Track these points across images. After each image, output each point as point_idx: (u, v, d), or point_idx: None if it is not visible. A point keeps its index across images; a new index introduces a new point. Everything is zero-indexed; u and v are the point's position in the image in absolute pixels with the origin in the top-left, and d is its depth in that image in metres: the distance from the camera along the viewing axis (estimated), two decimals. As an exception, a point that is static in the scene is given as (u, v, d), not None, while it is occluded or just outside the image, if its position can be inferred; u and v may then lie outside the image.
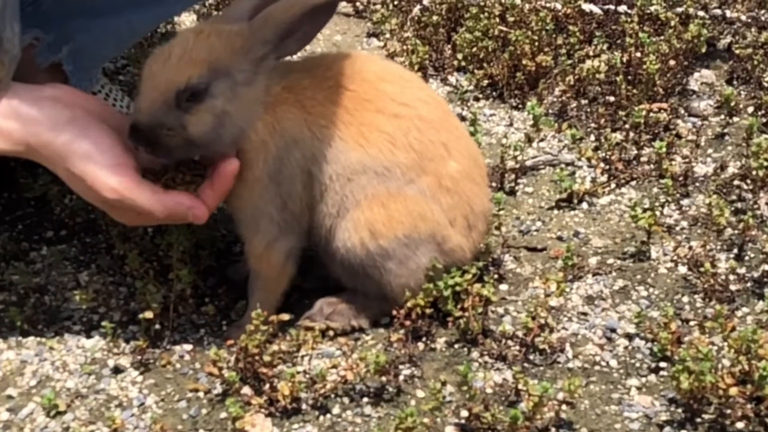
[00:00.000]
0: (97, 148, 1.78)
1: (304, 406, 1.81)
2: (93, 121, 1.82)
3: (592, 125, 2.57)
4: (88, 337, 1.98)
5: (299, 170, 1.87)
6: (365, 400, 1.83)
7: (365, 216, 1.89)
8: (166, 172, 1.86)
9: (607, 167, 2.41)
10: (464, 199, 1.95)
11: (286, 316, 1.90)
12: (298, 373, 1.84)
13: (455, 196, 1.94)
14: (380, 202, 1.88)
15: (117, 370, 1.90)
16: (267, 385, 1.81)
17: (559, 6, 2.92)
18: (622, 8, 2.95)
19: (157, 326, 1.93)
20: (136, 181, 1.79)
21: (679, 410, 1.80)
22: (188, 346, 1.95)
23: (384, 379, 1.84)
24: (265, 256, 1.91)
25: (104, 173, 1.77)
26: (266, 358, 1.82)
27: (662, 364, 1.90)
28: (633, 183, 2.38)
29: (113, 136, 1.82)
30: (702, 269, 2.04)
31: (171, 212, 1.81)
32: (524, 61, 2.69)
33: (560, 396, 1.80)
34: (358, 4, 3.16)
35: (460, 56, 2.80)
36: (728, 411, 1.76)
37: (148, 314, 1.90)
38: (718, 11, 2.94)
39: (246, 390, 1.82)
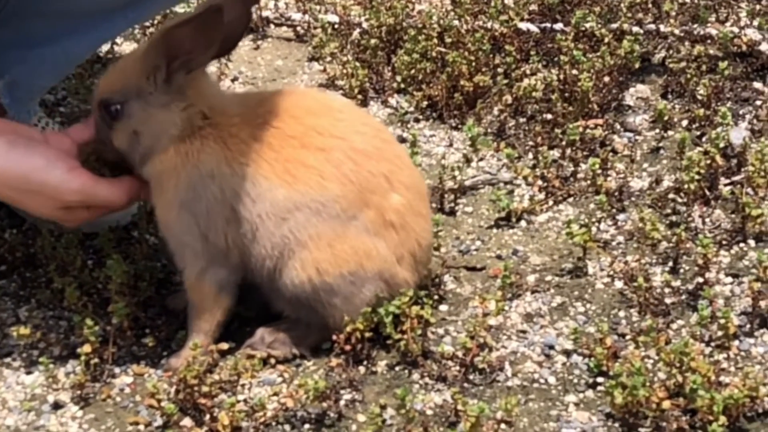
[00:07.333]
0: (48, 159, 1.87)
1: (245, 435, 1.82)
2: (32, 141, 1.91)
3: (530, 143, 2.60)
4: (28, 373, 1.97)
5: (220, 205, 1.88)
6: (306, 426, 1.84)
7: (313, 256, 1.89)
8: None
9: (545, 185, 2.44)
10: (412, 236, 1.96)
11: (225, 345, 1.91)
12: (239, 402, 1.84)
13: (402, 232, 1.94)
14: (326, 242, 1.89)
15: (57, 406, 1.90)
16: (207, 416, 1.81)
17: (496, 26, 2.95)
18: (558, 26, 2.98)
19: (97, 360, 1.93)
20: (94, 179, 1.90)
21: (616, 425, 1.83)
22: (128, 379, 1.95)
23: (325, 404, 1.85)
24: (197, 287, 1.93)
25: (65, 179, 1.87)
26: (205, 389, 1.82)
27: (599, 380, 1.92)
28: (570, 200, 2.41)
29: (54, 148, 1.91)
30: (636, 283, 2.07)
31: (130, 196, 1.93)
32: (462, 82, 2.72)
33: (499, 415, 1.81)
34: (298, 28, 3.18)
35: (399, 78, 2.82)
36: (664, 424, 1.79)
37: (87, 348, 1.89)
38: (653, 26, 2.98)
39: (186, 421, 1.82)
